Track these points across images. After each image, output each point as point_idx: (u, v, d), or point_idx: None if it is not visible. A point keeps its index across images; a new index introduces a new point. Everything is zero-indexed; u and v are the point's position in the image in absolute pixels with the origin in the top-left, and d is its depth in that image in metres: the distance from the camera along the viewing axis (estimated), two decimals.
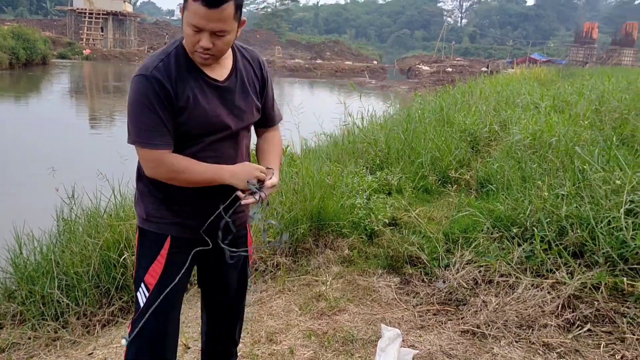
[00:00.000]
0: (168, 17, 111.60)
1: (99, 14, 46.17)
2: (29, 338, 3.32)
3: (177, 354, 2.76)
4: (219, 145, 1.92)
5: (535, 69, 20.69)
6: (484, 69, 37.84)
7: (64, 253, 3.85)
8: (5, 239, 4.06)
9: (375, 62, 56.05)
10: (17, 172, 8.15)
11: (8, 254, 3.98)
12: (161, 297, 1.85)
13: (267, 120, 2.13)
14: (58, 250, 3.91)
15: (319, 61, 50.76)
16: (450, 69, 42.17)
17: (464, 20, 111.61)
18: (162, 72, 1.78)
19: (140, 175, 1.97)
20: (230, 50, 1.93)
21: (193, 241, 1.94)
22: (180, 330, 2.11)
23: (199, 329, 2.72)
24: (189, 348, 2.88)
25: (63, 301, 3.48)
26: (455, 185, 5.42)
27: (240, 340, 2.46)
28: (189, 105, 1.82)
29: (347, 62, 50.87)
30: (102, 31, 46.87)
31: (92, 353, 2.91)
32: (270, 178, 1.92)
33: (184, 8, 1.73)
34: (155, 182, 1.91)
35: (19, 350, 3.21)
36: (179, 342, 2.40)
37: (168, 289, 1.86)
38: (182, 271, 1.93)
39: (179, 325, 2.06)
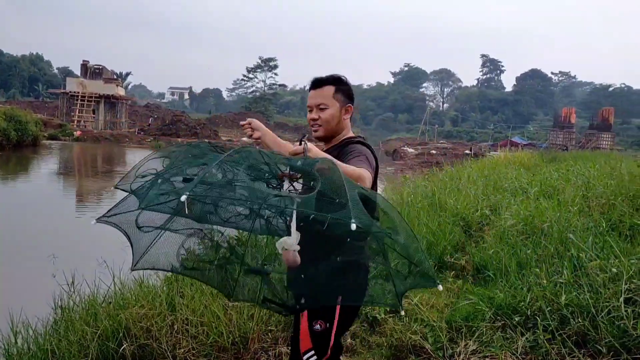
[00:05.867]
0: (158, 100, 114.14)
1: (91, 97, 46.99)
2: None
3: None
4: None
5: (517, 152, 21.28)
6: (467, 151, 38.80)
7: (60, 342, 3.75)
8: None
9: None
10: (12, 257, 8.03)
11: (2, 344, 3.89)
12: None
13: None
14: (54, 340, 3.81)
15: None
16: (434, 151, 43.16)
17: (445, 105, 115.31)
18: None
19: None
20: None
21: None
22: None
23: None
24: None
25: None
26: (453, 271, 5.45)
27: None
28: None
29: None
30: (93, 113, 47.56)
31: None
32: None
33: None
34: None
35: None
36: None
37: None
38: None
39: None
